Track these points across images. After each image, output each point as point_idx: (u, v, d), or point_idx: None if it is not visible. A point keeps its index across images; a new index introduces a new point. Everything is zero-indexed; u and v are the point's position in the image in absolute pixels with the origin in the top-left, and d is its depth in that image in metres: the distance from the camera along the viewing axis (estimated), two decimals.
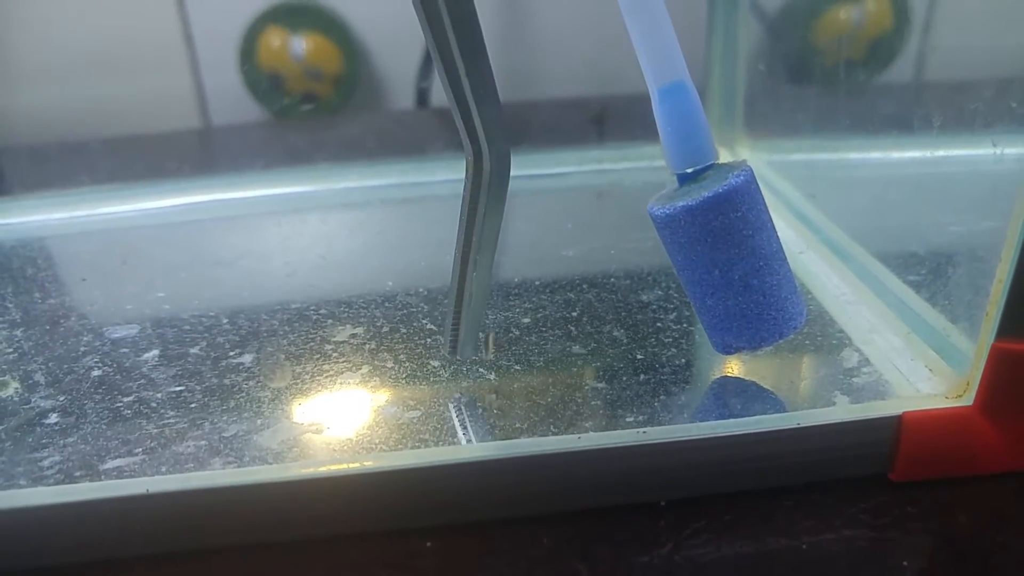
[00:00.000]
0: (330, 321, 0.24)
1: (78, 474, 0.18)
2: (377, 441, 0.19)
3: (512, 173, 0.35)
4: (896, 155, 0.34)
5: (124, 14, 0.47)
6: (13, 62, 0.48)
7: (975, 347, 0.19)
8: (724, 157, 0.36)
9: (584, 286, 0.25)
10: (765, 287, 0.19)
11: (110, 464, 0.18)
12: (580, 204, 0.33)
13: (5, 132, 0.47)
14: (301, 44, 0.46)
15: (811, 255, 0.27)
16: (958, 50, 0.33)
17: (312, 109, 0.48)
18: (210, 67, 0.50)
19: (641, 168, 0.35)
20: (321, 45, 0.46)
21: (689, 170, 0.19)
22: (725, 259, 0.19)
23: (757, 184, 0.19)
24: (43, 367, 0.22)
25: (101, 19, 0.47)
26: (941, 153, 0.28)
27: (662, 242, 0.20)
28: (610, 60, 0.52)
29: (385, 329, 0.23)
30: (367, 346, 0.22)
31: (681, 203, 0.19)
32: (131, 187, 0.34)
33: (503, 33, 0.51)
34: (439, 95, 0.49)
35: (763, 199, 0.19)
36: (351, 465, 0.17)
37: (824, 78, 0.46)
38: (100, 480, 0.18)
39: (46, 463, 0.18)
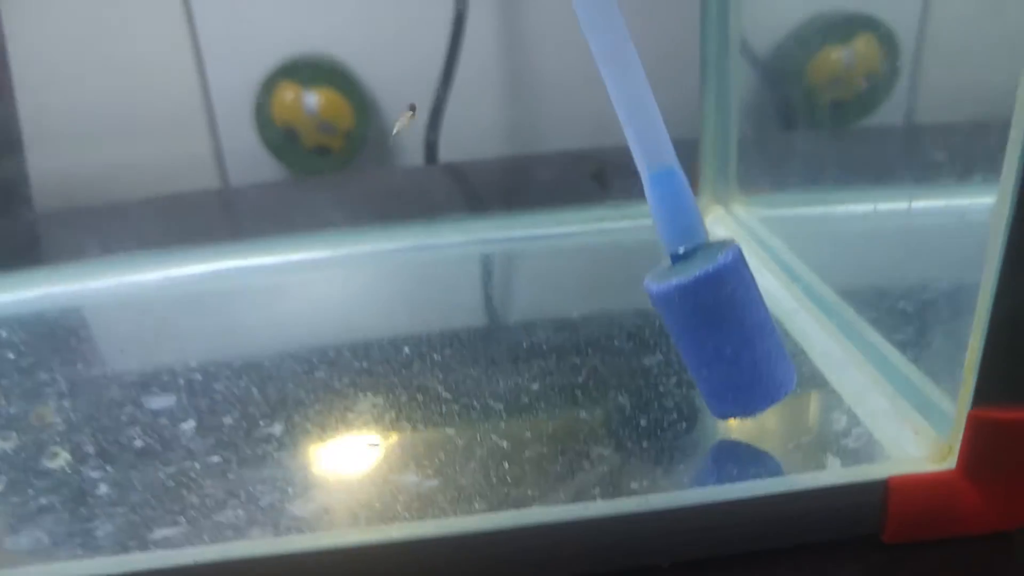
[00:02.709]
0: (352, 390, 0.25)
1: (130, 544, 0.20)
2: (399, 509, 0.20)
3: (515, 234, 0.37)
4: (887, 206, 0.36)
5: (144, 76, 0.50)
6: (38, 128, 0.50)
7: (956, 411, 0.20)
8: (719, 214, 0.38)
9: (589, 350, 0.27)
10: (756, 357, 0.21)
11: (158, 534, 0.20)
12: (583, 265, 0.35)
13: (37, 196, 0.49)
14: (314, 99, 0.48)
15: (803, 315, 0.29)
16: (948, 91, 0.35)
17: (325, 162, 0.50)
18: (227, 126, 0.52)
19: (642, 227, 0.37)
20: (333, 100, 0.48)
21: (681, 250, 0.21)
22: (717, 332, 0.21)
23: (745, 261, 0.21)
24: (91, 438, 0.24)
25: (122, 82, 0.50)
26: (932, 203, 0.30)
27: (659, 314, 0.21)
28: (611, 112, 0.54)
29: (403, 398, 0.25)
30: (388, 415, 0.24)
31: (674, 281, 0.20)
32: (159, 256, 0.36)
33: (503, 85, 0.53)
34: (447, 149, 0.51)
35: (751, 274, 0.21)
36: (374, 535, 0.19)
37: (815, 125, 0.48)
38: (149, 551, 0.19)
39: (100, 533, 0.20)
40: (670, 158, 0.21)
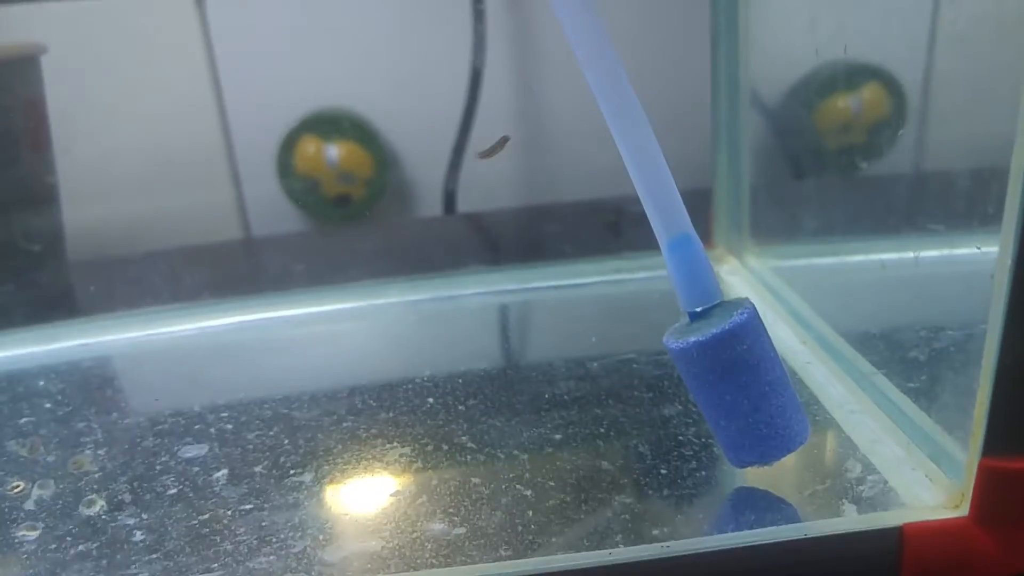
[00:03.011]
0: (380, 440, 0.26)
1: None
2: (428, 556, 0.21)
3: (533, 285, 0.38)
4: (897, 255, 0.36)
5: (172, 131, 0.52)
6: (72, 181, 0.52)
7: (967, 460, 0.21)
8: (734, 265, 0.39)
9: (610, 400, 0.28)
10: (772, 409, 0.22)
11: None
12: (601, 315, 0.36)
13: (70, 246, 0.51)
14: (334, 151, 0.50)
15: (818, 366, 0.29)
16: (956, 138, 0.36)
17: (346, 210, 0.51)
18: (250, 178, 0.54)
19: (658, 277, 0.38)
20: (353, 151, 0.50)
21: (698, 309, 0.22)
22: (734, 387, 0.22)
23: (759, 319, 0.22)
24: (127, 485, 0.25)
25: (151, 137, 0.52)
26: (943, 252, 0.31)
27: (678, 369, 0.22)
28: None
29: (429, 447, 0.26)
30: (415, 465, 0.25)
31: (693, 339, 0.21)
32: (189, 308, 0.37)
33: (520, 136, 0.55)
34: (465, 199, 0.52)
35: (765, 331, 0.22)
36: None
37: (825, 173, 0.48)
38: None
39: None
40: (685, 223, 0.22)
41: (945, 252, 0.28)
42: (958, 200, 0.29)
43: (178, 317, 0.37)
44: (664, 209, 0.22)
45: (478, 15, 0.48)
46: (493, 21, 0.49)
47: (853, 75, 0.51)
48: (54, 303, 0.41)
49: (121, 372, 0.33)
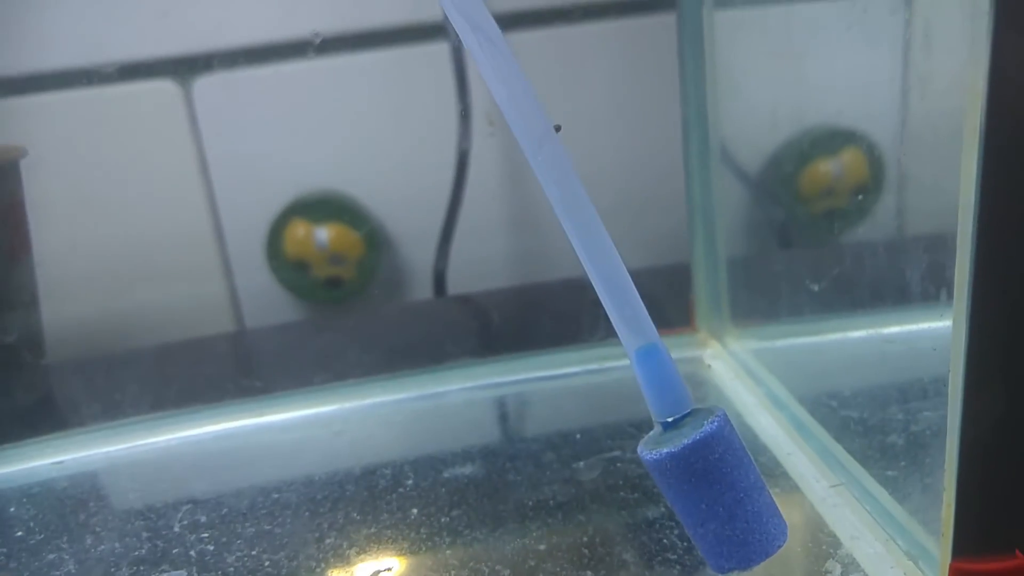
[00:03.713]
0: (363, 558, 0.26)
1: None
2: None
3: (519, 377, 0.38)
4: (878, 331, 0.37)
5: (158, 221, 0.52)
6: (52, 278, 0.52)
7: (940, 560, 0.21)
8: (716, 349, 0.39)
9: (594, 505, 0.28)
10: (747, 515, 0.22)
11: None
12: (587, 407, 0.36)
13: (50, 346, 0.51)
14: (324, 234, 0.50)
15: (799, 456, 0.29)
16: (935, 203, 0.36)
17: (338, 292, 0.51)
18: (240, 266, 0.54)
19: None
20: (343, 233, 0.50)
21: (669, 419, 0.22)
22: (709, 495, 0.22)
23: (731, 426, 0.22)
24: None
25: (136, 228, 0.52)
26: (926, 326, 0.31)
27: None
28: (619, 236, 0.56)
29: (413, 565, 0.26)
30: None
31: (665, 450, 0.22)
32: (169, 417, 0.38)
33: (509, 214, 0.55)
34: (457, 277, 0.53)
35: (738, 436, 0.22)
36: None
37: (805, 244, 0.49)
38: None
39: None
40: (650, 333, 0.22)
41: (932, 325, 0.29)
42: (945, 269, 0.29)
43: (158, 428, 0.37)
44: (628, 320, 0.22)
45: (462, 92, 0.49)
46: (478, 101, 0.50)
47: (831, 140, 0.52)
48: (30, 414, 0.41)
49: (98, 492, 0.33)
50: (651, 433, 0.23)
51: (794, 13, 0.35)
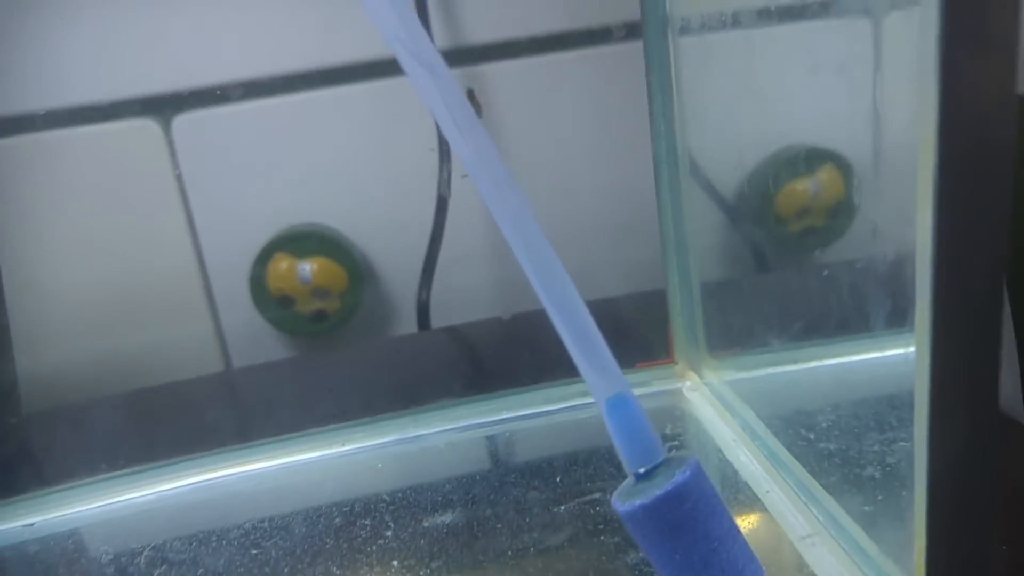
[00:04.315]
0: None
1: None
2: None
3: (500, 416, 0.38)
4: (854, 359, 0.37)
5: (140, 260, 0.52)
6: (28, 325, 0.51)
7: None
8: (694, 381, 0.39)
9: (574, 552, 0.28)
10: (722, 563, 0.22)
11: None
12: (569, 447, 0.36)
13: (26, 396, 0.50)
14: (307, 268, 0.50)
15: (777, 492, 0.29)
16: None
17: (322, 325, 0.51)
18: (225, 303, 0.54)
19: None
20: (326, 267, 0.50)
21: (642, 470, 0.22)
22: (682, 545, 0.22)
23: (704, 475, 0.22)
24: None
25: (118, 270, 0.52)
26: (898, 352, 0.31)
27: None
28: (594, 266, 0.56)
29: None
30: None
31: (638, 501, 0.22)
32: (146, 471, 0.37)
33: (492, 243, 0.56)
34: (441, 309, 0.53)
35: (710, 485, 0.22)
36: None
37: (779, 266, 0.49)
38: None
39: None
40: (620, 382, 0.22)
41: (906, 351, 0.29)
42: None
43: (132, 483, 0.36)
44: (597, 370, 0.22)
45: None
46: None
47: (805, 160, 0.53)
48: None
49: (69, 556, 0.32)
50: (624, 483, 0.23)
51: (760, 36, 0.35)
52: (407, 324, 0.55)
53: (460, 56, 0.52)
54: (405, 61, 0.21)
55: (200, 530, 0.33)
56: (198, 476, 0.37)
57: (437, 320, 0.53)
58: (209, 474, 0.37)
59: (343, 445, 0.38)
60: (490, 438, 0.38)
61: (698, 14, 0.37)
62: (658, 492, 0.21)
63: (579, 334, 0.22)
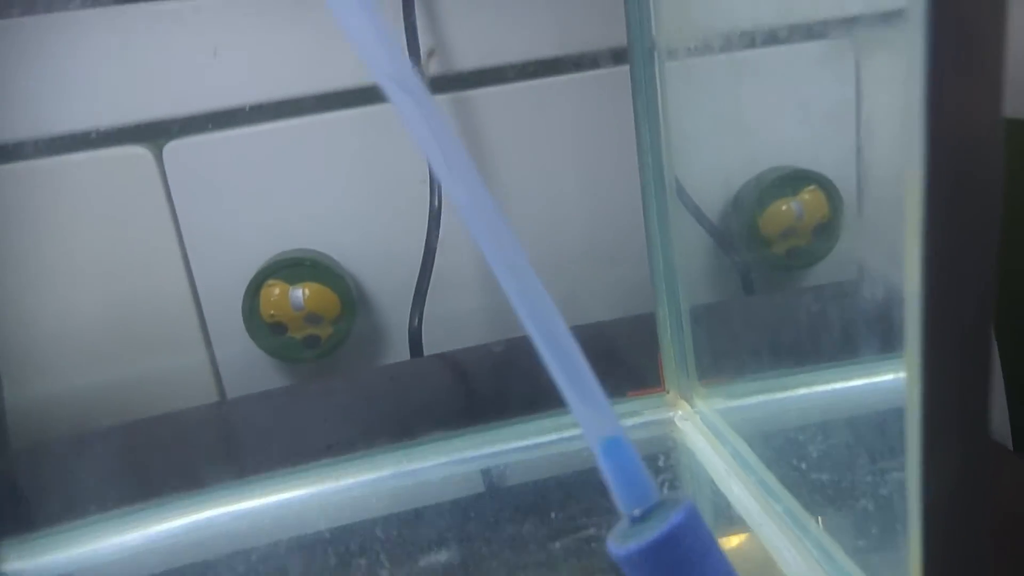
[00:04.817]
0: None
1: None
2: None
3: (495, 449, 0.38)
4: (844, 385, 0.37)
5: (130, 287, 0.52)
6: (17, 354, 0.51)
7: None
8: (686, 411, 0.39)
9: None
10: None
11: None
12: (564, 479, 0.36)
13: (18, 430, 0.50)
14: (300, 294, 0.50)
15: (771, 526, 0.30)
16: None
17: (315, 350, 0.52)
18: (218, 331, 0.54)
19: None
20: (319, 292, 0.51)
21: (636, 513, 0.22)
22: None
23: (698, 516, 0.22)
24: None
25: (111, 302, 0.52)
26: (888, 378, 0.31)
27: None
28: (584, 292, 0.57)
29: None
30: None
31: (633, 544, 0.22)
32: (136, 512, 0.37)
33: (482, 272, 0.56)
34: (431, 335, 0.53)
35: (704, 526, 0.22)
36: None
37: (767, 288, 0.49)
38: None
39: None
40: (613, 425, 0.22)
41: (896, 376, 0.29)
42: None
43: (123, 525, 0.36)
44: (591, 413, 0.22)
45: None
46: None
47: (790, 182, 0.53)
48: None
49: None
50: (618, 525, 0.23)
51: (744, 60, 0.36)
52: (399, 350, 0.55)
53: (448, 82, 0.53)
54: (388, 88, 0.21)
55: (194, 574, 0.33)
56: (191, 516, 0.36)
57: (429, 346, 0.53)
58: (202, 513, 0.37)
59: (338, 480, 0.38)
60: (485, 471, 0.38)
61: (683, 39, 0.37)
62: (653, 535, 0.22)
63: (571, 374, 0.22)
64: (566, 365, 0.23)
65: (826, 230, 0.54)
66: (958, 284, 0.18)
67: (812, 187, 0.54)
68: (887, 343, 0.30)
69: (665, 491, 0.24)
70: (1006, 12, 0.15)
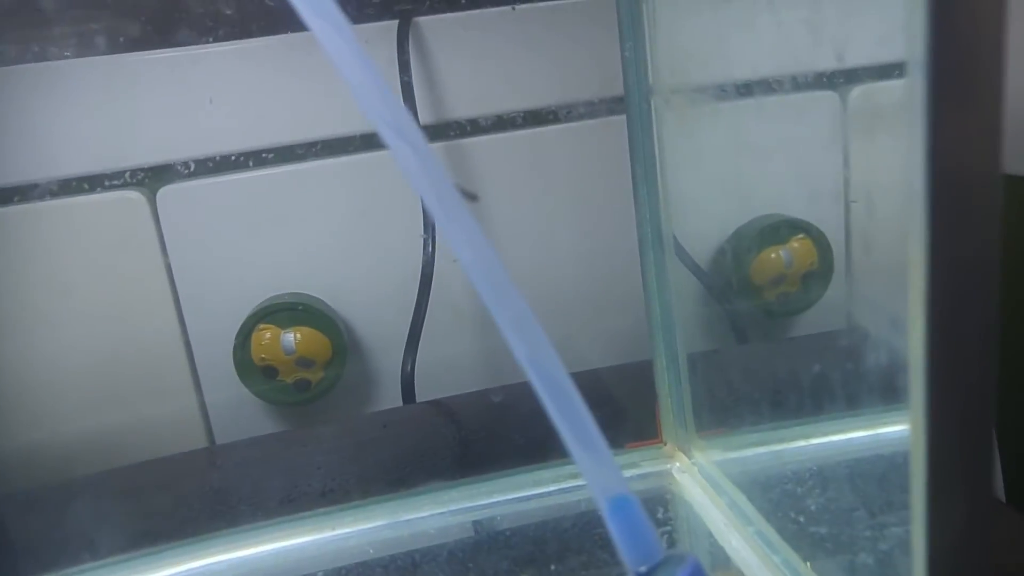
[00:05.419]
0: None
1: None
2: None
3: (490, 500, 0.38)
4: (842, 437, 0.37)
5: (122, 331, 0.52)
6: (5, 399, 0.50)
7: None
8: (684, 463, 0.39)
9: None
10: None
11: None
12: (560, 532, 0.36)
13: (7, 476, 0.49)
14: (291, 338, 0.50)
15: None
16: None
17: (306, 394, 0.51)
18: (208, 376, 0.54)
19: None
20: (310, 336, 0.51)
21: (643, 569, 0.22)
22: None
23: (703, 572, 0.22)
24: None
25: (104, 349, 0.51)
26: (888, 430, 0.31)
27: None
28: (580, 338, 0.57)
29: None
30: None
31: None
32: (132, 561, 0.36)
33: (475, 317, 0.56)
34: (426, 381, 0.53)
35: None
36: None
37: (759, 337, 0.49)
38: None
39: None
40: (619, 483, 0.22)
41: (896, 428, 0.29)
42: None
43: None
44: (596, 472, 0.23)
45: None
46: None
47: (781, 230, 0.54)
48: None
49: None
50: None
51: (741, 108, 0.36)
52: (392, 395, 0.55)
53: (445, 130, 0.54)
54: (386, 136, 0.22)
55: None
56: (183, 565, 0.36)
57: (422, 392, 0.53)
58: (195, 562, 0.36)
59: (333, 530, 0.38)
60: (481, 522, 0.38)
61: (679, 89, 0.38)
62: None
63: (578, 432, 0.23)
64: (573, 422, 0.23)
65: (815, 277, 0.55)
66: (961, 347, 0.18)
67: (801, 236, 0.55)
68: (886, 396, 0.30)
69: (664, 543, 0.24)
70: (1005, 63, 0.16)
